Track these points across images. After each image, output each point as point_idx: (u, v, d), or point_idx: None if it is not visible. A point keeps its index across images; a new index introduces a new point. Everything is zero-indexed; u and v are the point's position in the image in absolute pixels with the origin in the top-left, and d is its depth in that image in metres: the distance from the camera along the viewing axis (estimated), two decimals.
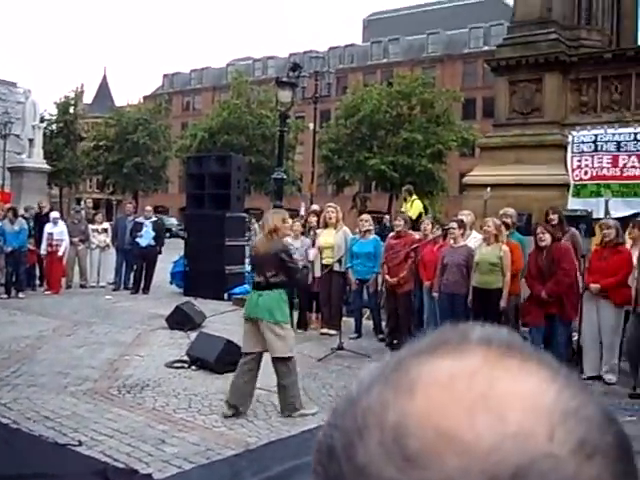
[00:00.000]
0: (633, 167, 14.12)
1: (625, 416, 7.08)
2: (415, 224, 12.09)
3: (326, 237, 11.10)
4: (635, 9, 18.19)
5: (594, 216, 12.71)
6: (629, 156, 14.17)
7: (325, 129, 43.88)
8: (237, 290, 14.03)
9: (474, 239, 9.82)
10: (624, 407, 7.43)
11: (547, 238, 8.64)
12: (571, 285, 8.55)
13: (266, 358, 6.62)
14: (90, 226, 16.36)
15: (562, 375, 0.48)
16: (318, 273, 11.03)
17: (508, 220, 10.10)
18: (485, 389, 0.45)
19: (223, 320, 11.47)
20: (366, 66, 66.85)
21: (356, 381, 0.51)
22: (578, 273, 8.71)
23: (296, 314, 11.41)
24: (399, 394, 0.47)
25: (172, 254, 16.54)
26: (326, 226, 11.20)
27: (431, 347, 0.50)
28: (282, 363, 6.46)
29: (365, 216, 11.35)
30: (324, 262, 10.92)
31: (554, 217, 9.64)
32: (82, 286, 15.90)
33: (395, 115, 40.34)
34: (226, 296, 14.08)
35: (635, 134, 14.21)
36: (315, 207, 14.57)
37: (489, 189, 13.45)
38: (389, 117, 40.20)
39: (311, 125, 36.47)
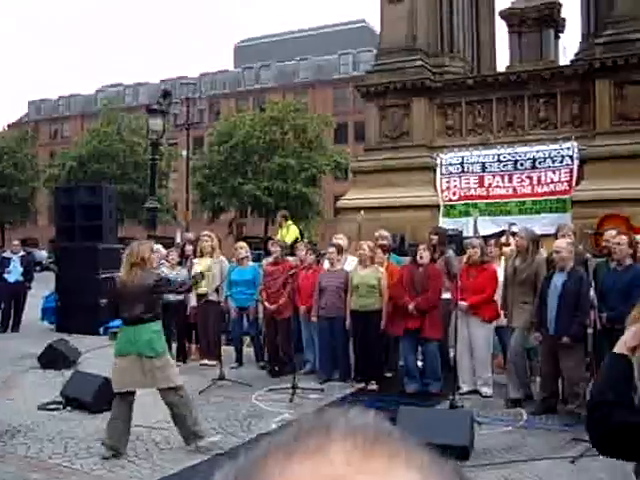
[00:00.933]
0: (498, 187, 14.82)
1: (501, 427, 7.35)
2: (292, 249, 12.13)
3: (201, 266, 10.95)
4: (492, 39, 19.16)
5: (464, 235, 13.21)
6: (494, 176, 14.86)
7: (198, 156, 43.57)
8: (113, 324, 13.57)
9: (350, 262, 9.96)
10: (500, 418, 7.70)
11: (426, 256, 8.90)
12: (436, 306, 8.86)
13: (140, 393, 6.47)
14: None
15: (432, 472, 0.44)
16: (194, 303, 10.88)
17: (385, 242, 10.33)
18: None
19: (99, 356, 11.08)
20: (238, 92, 66.97)
21: None
22: (448, 293, 9.03)
23: (174, 345, 11.20)
24: None
25: (43, 289, 15.85)
26: (202, 255, 11.06)
27: (290, 445, 0.45)
28: (172, 393, 6.32)
29: (241, 243, 11.26)
30: (199, 292, 10.77)
31: (434, 238, 9.95)
32: None
33: (268, 140, 40.52)
34: (102, 330, 13.60)
35: (498, 155, 14.93)
36: (189, 235, 14.36)
37: (362, 212, 13.72)
38: (262, 143, 40.33)
39: (184, 152, 36.14)
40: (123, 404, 6.30)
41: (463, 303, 8.69)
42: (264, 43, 78.53)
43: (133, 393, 6.38)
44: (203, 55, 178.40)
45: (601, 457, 6.18)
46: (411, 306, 8.73)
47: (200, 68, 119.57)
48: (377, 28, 17.99)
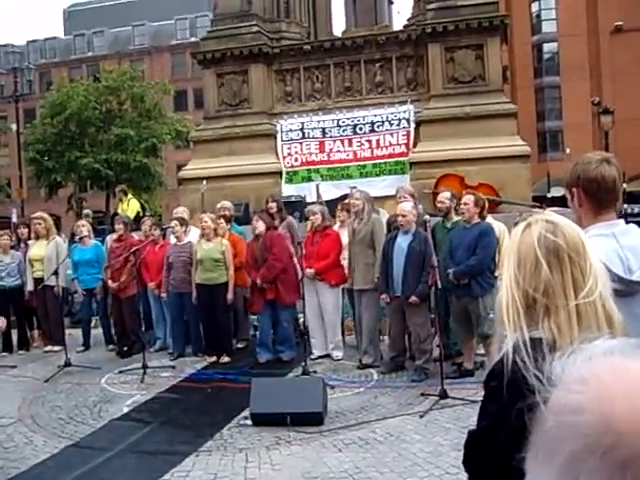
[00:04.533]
0: (338, 151, 15.01)
1: (353, 389, 7.50)
2: (136, 224, 11.76)
3: (37, 249, 10.40)
4: (328, 3, 19.25)
5: (307, 200, 13.32)
6: (334, 141, 15.03)
7: (30, 129, 41.27)
8: None
9: (194, 234, 9.78)
10: (352, 380, 7.87)
11: (261, 226, 8.86)
12: (284, 270, 8.85)
13: None
14: None
15: None
16: (31, 288, 10.32)
17: (227, 213, 10.20)
18: None
19: None
20: (70, 60, 63.91)
21: None
22: (295, 258, 9.04)
23: (15, 333, 10.61)
24: None
25: None
26: (37, 238, 10.49)
27: None
28: None
29: (81, 222, 10.80)
30: (35, 276, 10.23)
31: (273, 205, 9.87)
32: None
33: (105, 111, 38.99)
34: None
35: (337, 120, 15.09)
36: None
37: (205, 182, 13.52)
38: (98, 113, 38.74)
39: (14, 126, 34.15)
40: None
41: (310, 270, 8.76)
42: (96, 8, 74.82)
43: None
44: (29, 21, 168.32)
45: (447, 410, 6.47)
46: (259, 280, 8.70)
47: (27, 35, 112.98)
48: None
